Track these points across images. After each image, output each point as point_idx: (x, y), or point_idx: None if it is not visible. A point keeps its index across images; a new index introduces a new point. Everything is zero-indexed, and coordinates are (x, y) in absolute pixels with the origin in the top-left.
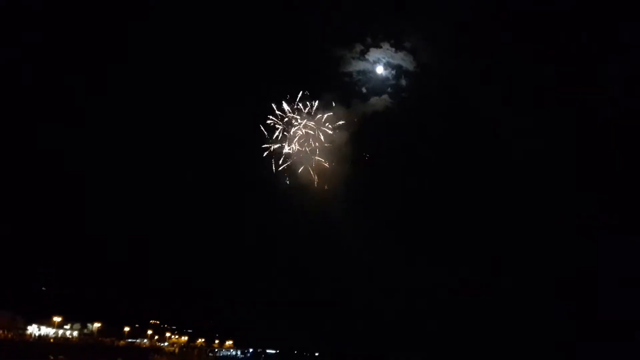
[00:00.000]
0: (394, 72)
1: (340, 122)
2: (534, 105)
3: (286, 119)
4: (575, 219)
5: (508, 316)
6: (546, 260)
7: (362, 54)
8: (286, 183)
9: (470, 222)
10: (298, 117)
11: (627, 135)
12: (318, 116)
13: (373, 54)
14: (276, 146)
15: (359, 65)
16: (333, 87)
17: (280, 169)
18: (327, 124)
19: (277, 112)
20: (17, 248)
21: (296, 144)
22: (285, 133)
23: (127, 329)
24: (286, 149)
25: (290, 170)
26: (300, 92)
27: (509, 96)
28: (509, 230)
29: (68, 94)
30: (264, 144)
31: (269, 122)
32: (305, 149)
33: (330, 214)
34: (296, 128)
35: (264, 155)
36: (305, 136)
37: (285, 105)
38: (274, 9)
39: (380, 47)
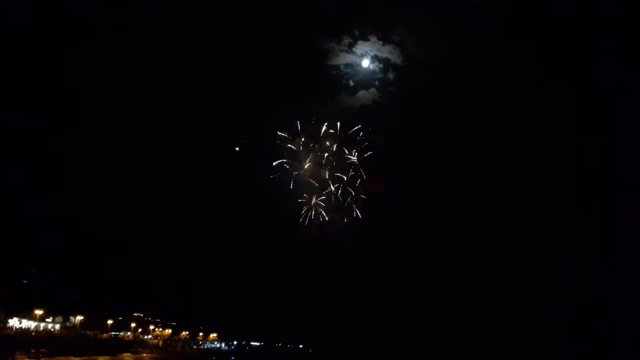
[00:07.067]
0: (381, 65)
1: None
2: (524, 98)
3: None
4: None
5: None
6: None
7: (350, 47)
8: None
9: (460, 216)
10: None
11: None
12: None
13: (361, 46)
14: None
15: (347, 58)
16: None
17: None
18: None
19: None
20: None
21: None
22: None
23: (110, 321)
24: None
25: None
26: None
27: (498, 89)
28: (503, 226)
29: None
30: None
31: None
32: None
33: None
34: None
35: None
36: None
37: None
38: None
39: (368, 40)
